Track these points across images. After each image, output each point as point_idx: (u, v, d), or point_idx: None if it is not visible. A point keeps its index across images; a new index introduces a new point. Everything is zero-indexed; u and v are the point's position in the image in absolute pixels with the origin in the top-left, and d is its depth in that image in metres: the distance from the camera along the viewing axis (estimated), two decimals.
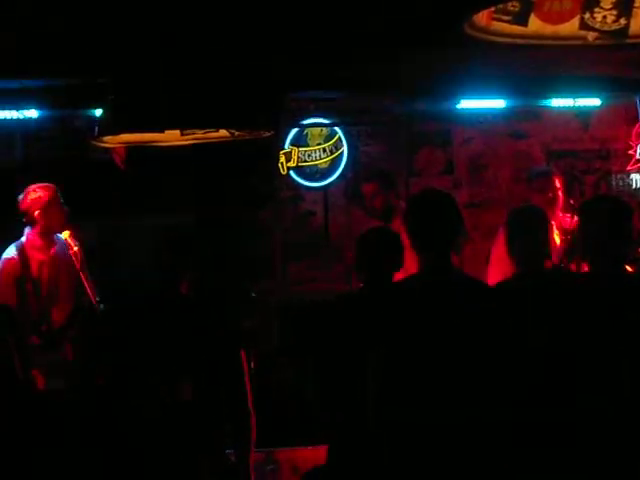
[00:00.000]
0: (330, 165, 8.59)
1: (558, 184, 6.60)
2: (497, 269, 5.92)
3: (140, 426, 4.27)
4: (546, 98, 8.03)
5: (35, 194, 5.99)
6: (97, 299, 5.91)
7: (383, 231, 4.83)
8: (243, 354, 5.17)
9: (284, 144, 8.43)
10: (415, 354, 3.78)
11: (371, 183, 7.29)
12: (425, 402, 3.75)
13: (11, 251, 6.00)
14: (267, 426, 6.67)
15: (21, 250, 5.99)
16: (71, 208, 6.13)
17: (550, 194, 6.48)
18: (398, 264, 4.58)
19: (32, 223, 6.01)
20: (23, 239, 6.04)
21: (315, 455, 5.53)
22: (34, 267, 5.98)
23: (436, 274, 3.87)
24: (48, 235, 6.04)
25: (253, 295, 7.70)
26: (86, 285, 5.88)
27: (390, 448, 3.78)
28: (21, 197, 6.01)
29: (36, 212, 5.96)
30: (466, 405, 3.73)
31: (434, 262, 3.87)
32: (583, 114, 8.64)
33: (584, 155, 8.89)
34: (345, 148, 8.60)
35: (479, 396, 3.74)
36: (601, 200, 4.49)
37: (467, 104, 7.87)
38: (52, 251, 6.06)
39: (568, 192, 7.08)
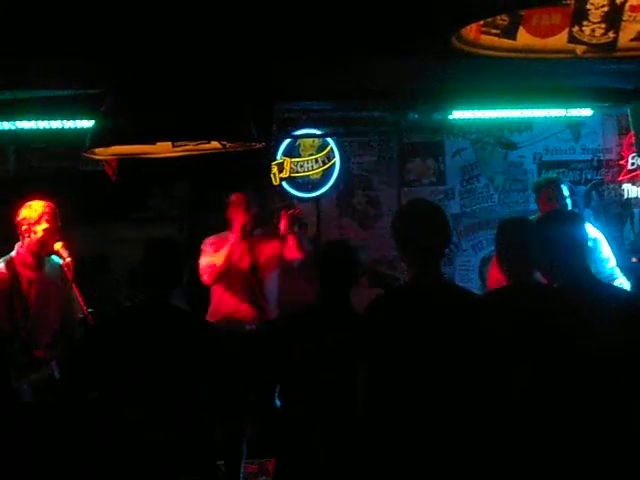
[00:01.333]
0: (322, 176, 8.62)
1: (567, 192, 6.59)
2: (495, 276, 5.94)
3: (129, 437, 4.27)
4: (537, 108, 8.06)
5: (27, 209, 5.81)
6: (90, 311, 5.86)
7: (346, 246, 4.89)
8: (233, 364, 5.18)
9: (276, 155, 8.46)
10: (405, 361, 3.81)
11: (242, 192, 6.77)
12: (415, 408, 3.78)
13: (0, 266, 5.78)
14: (259, 437, 6.68)
15: (10, 266, 5.77)
16: (63, 219, 6.05)
17: (559, 202, 6.47)
18: (356, 279, 4.69)
19: (21, 238, 5.82)
20: (13, 254, 5.82)
21: None
22: (24, 284, 5.76)
23: (427, 283, 3.90)
24: (38, 253, 5.82)
25: None
26: (79, 298, 5.81)
27: (379, 454, 3.82)
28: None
29: (24, 227, 5.78)
30: (454, 411, 3.77)
31: (424, 270, 3.90)
32: (574, 125, 8.68)
33: (575, 166, 8.91)
34: (337, 159, 8.63)
35: (467, 403, 3.77)
36: (557, 216, 4.50)
37: (458, 115, 7.89)
38: (42, 270, 5.84)
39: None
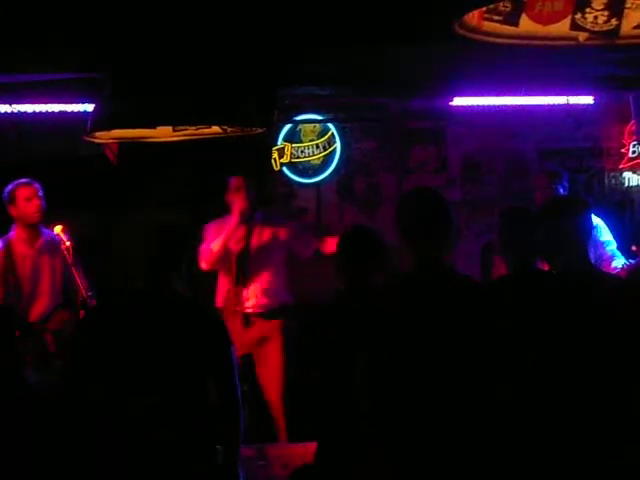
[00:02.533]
0: (323, 162, 8.61)
1: (566, 182, 6.64)
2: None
3: (127, 425, 4.27)
4: (539, 96, 8.04)
5: (9, 189, 6.14)
6: (89, 294, 5.92)
7: (368, 231, 4.79)
8: (232, 349, 5.18)
9: (277, 140, 8.45)
10: (405, 352, 3.80)
11: None
12: (418, 399, 3.77)
13: None
14: (258, 422, 6.69)
15: (7, 244, 6.12)
16: (64, 203, 6.17)
17: (552, 192, 6.49)
18: (380, 266, 4.59)
19: (13, 217, 6.15)
20: (10, 233, 6.17)
21: (305, 452, 5.54)
22: (18, 261, 6.10)
23: (429, 271, 3.89)
24: (32, 229, 6.15)
25: None
26: (78, 281, 5.91)
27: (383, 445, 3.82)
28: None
29: (9, 206, 6.12)
30: (455, 403, 3.76)
31: (427, 260, 3.89)
32: (576, 112, 8.65)
33: (577, 153, 8.90)
34: (338, 145, 8.62)
35: (468, 394, 3.77)
36: (561, 201, 4.51)
37: (460, 102, 7.87)
38: (37, 245, 6.16)
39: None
